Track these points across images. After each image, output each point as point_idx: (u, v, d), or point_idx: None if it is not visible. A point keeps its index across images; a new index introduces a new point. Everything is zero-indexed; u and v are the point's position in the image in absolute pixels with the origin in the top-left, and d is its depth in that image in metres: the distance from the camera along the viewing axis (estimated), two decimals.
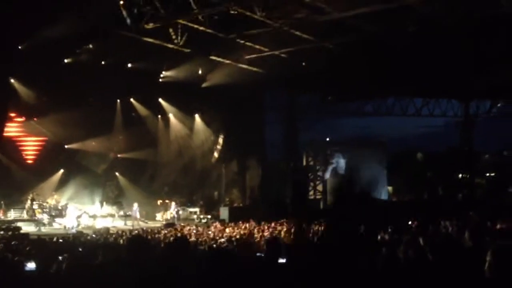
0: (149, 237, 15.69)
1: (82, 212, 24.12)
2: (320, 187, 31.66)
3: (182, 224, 23.36)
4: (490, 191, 31.32)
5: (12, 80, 22.13)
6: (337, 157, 31.20)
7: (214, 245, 12.98)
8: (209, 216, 27.00)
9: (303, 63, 22.66)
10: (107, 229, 19.87)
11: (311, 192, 31.59)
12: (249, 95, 25.44)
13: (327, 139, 32.21)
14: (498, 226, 10.16)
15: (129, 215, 25.03)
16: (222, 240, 14.73)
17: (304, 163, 31.48)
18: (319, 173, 31.58)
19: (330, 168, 31.38)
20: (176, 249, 4.87)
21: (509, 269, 4.01)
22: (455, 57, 21.45)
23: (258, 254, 8.77)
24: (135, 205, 24.67)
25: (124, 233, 17.47)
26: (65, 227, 22.66)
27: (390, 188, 33.72)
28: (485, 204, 23.84)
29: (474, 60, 21.73)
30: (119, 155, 27.31)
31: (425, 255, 6.48)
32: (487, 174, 33.87)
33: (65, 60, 21.69)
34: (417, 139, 31.22)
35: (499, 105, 31.40)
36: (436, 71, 23.44)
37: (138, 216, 24.62)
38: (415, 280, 5.09)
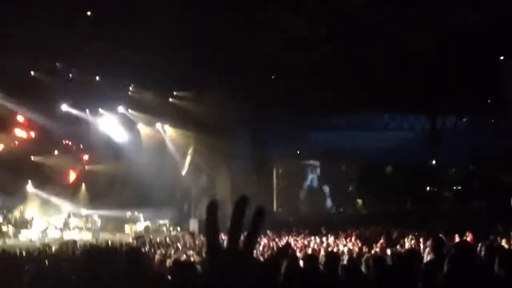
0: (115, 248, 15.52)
1: (48, 224, 23.75)
2: (290, 199, 31.91)
3: (151, 236, 23.16)
4: (456, 204, 31.88)
5: None
6: (311, 173, 31.85)
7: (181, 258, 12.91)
8: (179, 228, 26.84)
9: (272, 77, 22.89)
10: (74, 242, 19.54)
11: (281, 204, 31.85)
12: (216, 109, 25.52)
13: (297, 152, 32.41)
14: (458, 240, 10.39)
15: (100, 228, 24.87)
16: (191, 252, 14.68)
17: (274, 176, 31.67)
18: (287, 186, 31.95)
19: (305, 184, 31.93)
20: (130, 262, 4.81)
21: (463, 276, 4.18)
22: (422, 74, 21.93)
23: None
24: (96, 217, 24.57)
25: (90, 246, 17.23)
26: (30, 239, 22.24)
27: (360, 201, 34.04)
28: (450, 217, 24.27)
29: (441, 77, 22.22)
30: (86, 167, 27.11)
31: (389, 269, 6.60)
32: (454, 188, 34.45)
33: None
34: (385, 153, 31.52)
35: (464, 119, 32.14)
36: (404, 87, 23.93)
37: (98, 228, 24.50)
38: None
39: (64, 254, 14.91)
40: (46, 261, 11.37)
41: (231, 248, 1.79)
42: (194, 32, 17.91)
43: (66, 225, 24.62)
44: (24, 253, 14.77)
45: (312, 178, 32.50)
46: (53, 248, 17.40)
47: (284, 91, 23.84)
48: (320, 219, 25.75)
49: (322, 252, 13.33)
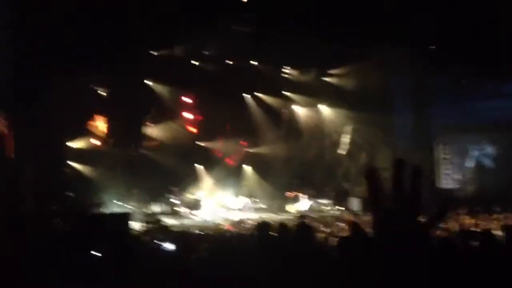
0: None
1: (217, 205, 25.26)
2: (458, 176, 30.08)
3: (314, 215, 23.46)
4: None
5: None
6: (480, 148, 29.78)
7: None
8: (342, 208, 26.83)
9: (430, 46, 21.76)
10: (242, 221, 20.56)
11: (447, 181, 30.18)
12: (373, 83, 24.83)
13: (465, 124, 30.31)
14: None
15: (263, 208, 25.91)
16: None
17: (440, 152, 30.02)
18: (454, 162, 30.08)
19: (473, 160, 29.90)
20: (302, 236, 4.88)
21: None
22: None
23: None
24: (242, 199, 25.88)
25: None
26: (204, 220, 23.79)
27: None
28: None
29: None
30: (248, 150, 28.31)
31: None
32: None
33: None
34: None
35: None
36: None
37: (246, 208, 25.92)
38: None
39: (235, 232, 15.73)
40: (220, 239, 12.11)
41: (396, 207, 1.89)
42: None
43: (232, 206, 25.97)
44: (200, 232, 15.86)
45: (481, 153, 30.23)
46: (224, 227, 18.53)
47: (445, 59, 22.54)
48: (491, 196, 24.02)
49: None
